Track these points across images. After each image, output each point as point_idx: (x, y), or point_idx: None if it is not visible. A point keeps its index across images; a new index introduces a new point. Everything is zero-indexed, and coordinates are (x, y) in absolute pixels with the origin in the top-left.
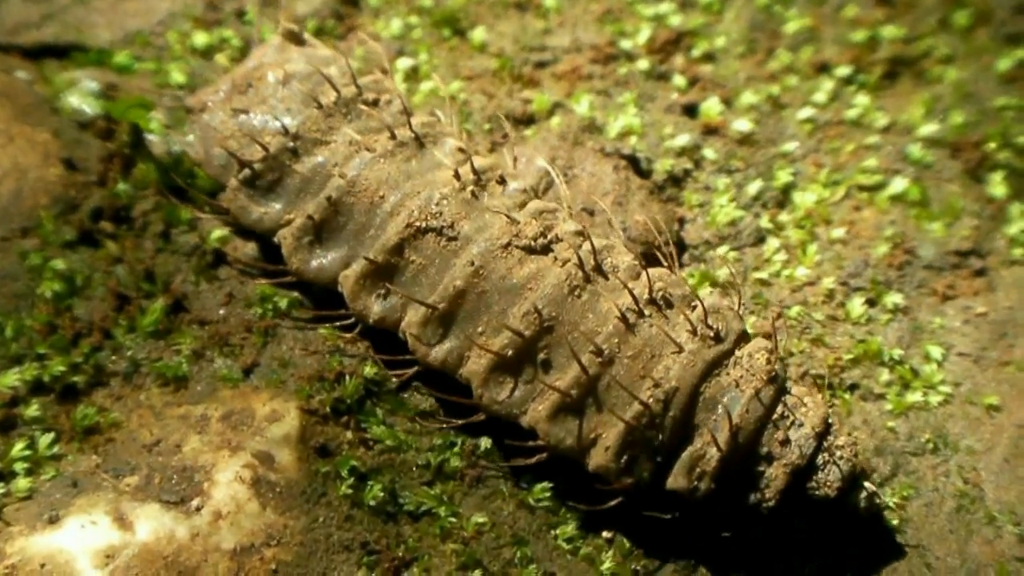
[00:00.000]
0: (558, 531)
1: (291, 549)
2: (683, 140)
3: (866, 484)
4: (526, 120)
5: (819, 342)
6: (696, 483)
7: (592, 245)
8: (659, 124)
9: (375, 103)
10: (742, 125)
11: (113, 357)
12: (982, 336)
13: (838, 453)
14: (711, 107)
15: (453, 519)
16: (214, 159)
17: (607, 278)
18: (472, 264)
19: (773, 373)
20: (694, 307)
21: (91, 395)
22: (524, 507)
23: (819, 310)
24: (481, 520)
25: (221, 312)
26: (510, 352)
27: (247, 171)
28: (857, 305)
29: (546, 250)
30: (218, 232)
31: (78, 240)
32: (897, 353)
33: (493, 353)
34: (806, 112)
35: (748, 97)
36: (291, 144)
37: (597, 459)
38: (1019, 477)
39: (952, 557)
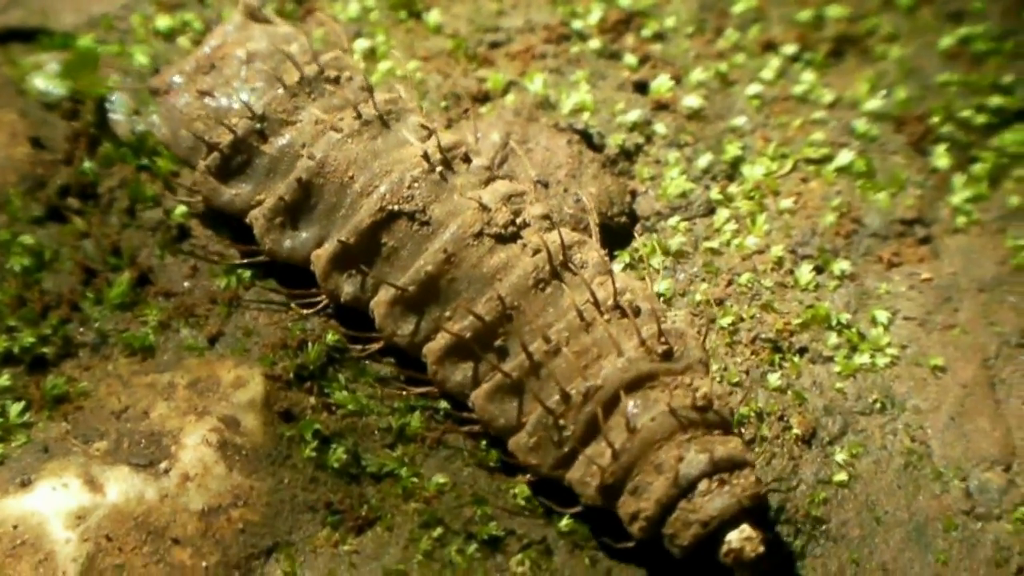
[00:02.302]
0: (516, 490)
1: (257, 510)
2: (635, 116)
3: (747, 528)
4: (481, 98)
5: (769, 308)
6: (588, 479)
7: (561, 238)
8: (611, 101)
9: (336, 80)
10: (692, 101)
11: (81, 329)
12: (927, 301)
13: (728, 489)
14: (662, 84)
15: (415, 480)
16: (182, 141)
17: (574, 274)
18: (444, 252)
19: (705, 402)
20: (658, 323)
21: (60, 365)
22: (483, 468)
23: (769, 277)
24: (442, 480)
25: (186, 284)
26: (468, 335)
27: (216, 154)
28: (805, 272)
29: (515, 237)
30: (182, 208)
31: (46, 216)
32: (845, 317)
33: (452, 335)
34: (754, 88)
35: (697, 74)
36: (258, 126)
37: (516, 439)
38: (964, 434)
39: (900, 511)
